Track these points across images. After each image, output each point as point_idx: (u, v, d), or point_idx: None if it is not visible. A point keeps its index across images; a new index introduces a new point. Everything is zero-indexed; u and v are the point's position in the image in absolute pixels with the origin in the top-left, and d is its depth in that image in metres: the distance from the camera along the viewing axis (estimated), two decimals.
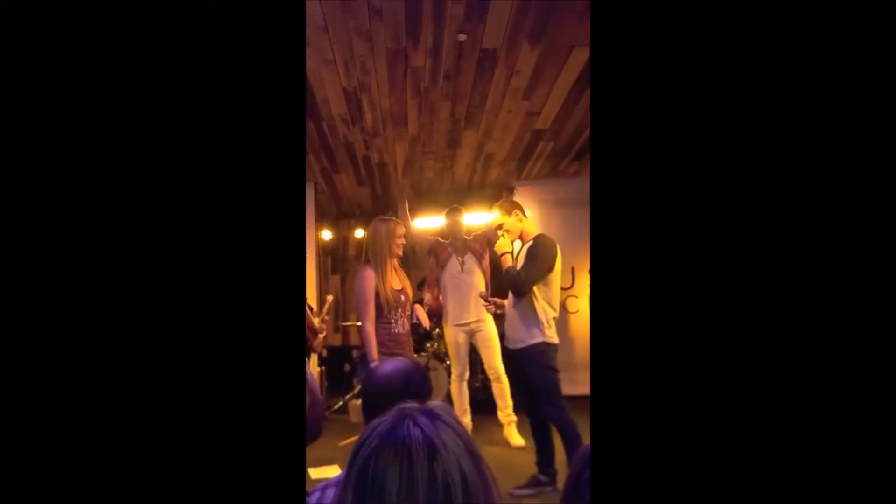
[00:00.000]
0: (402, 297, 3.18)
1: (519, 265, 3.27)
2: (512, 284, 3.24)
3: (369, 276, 3.16)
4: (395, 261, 3.23)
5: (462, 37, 3.12)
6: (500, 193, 6.17)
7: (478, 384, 5.81)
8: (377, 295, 3.13)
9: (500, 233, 3.36)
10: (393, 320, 3.16)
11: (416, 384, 1.40)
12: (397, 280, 3.21)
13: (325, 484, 1.24)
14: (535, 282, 3.20)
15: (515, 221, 3.37)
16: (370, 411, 1.38)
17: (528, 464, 3.39)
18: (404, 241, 3.25)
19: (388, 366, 1.48)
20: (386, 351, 3.11)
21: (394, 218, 3.31)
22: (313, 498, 1.21)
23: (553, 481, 3.25)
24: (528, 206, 5.20)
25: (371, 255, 3.20)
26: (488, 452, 4.11)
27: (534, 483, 3.28)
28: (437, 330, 5.58)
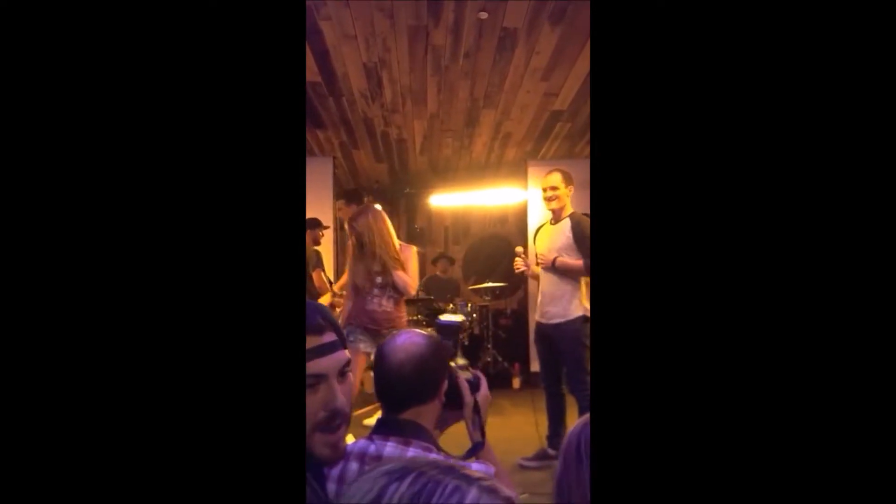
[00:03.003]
0: (379, 280, 3.31)
1: (557, 242, 3.35)
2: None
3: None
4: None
5: (483, 15, 3.15)
6: (513, 170, 6.21)
7: (489, 359, 5.94)
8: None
9: (547, 194, 3.41)
10: (369, 297, 3.33)
11: (430, 359, 1.31)
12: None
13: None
14: None
15: (566, 194, 3.42)
16: (384, 390, 1.32)
17: (534, 437, 3.49)
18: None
19: (399, 342, 1.34)
20: (359, 324, 3.34)
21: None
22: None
23: None
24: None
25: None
26: (496, 423, 4.23)
27: (541, 456, 3.37)
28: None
